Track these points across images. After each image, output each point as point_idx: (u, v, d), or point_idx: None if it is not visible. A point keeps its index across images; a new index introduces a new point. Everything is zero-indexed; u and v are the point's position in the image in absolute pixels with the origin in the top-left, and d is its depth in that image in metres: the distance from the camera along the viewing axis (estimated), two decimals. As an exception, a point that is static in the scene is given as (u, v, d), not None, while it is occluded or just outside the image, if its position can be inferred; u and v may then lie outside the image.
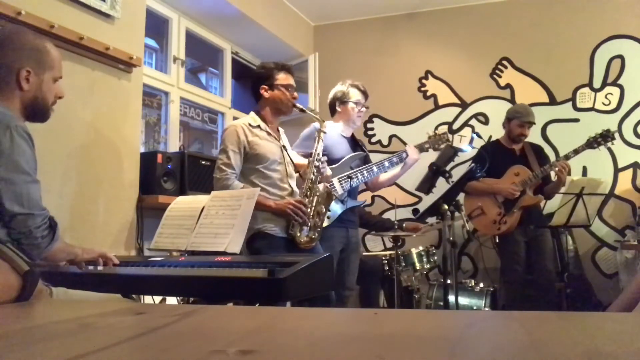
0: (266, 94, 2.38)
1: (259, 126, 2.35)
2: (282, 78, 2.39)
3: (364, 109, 2.88)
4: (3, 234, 1.42)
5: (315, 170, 2.35)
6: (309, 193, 2.33)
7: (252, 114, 2.41)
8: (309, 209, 2.28)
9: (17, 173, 1.42)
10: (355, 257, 2.80)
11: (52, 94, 1.63)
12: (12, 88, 1.54)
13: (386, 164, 2.79)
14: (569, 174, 3.25)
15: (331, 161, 2.68)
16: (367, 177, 2.74)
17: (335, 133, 2.82)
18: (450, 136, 3.07)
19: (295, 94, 2.44)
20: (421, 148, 2.93)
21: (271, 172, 2.31)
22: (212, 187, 2.26)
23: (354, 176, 2.69)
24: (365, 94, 2.89)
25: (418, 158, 2.87)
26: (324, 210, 2.39)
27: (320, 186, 2.40)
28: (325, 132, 2.46)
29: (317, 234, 2.34)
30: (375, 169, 2.76)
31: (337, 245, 2.65)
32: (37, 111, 1.61)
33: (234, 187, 2.19)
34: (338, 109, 2.88)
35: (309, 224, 2.30)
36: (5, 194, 1.41)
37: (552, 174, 3.42)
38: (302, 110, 2.42)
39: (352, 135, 2.94)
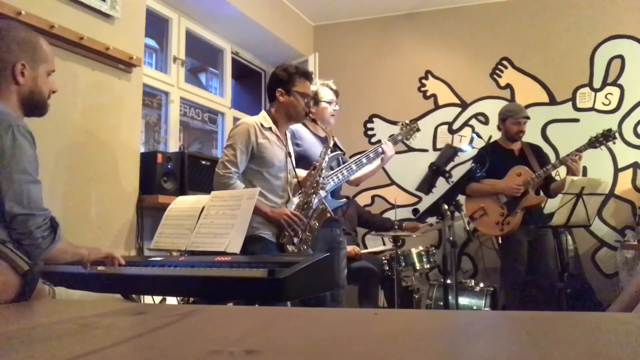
0: (282, 98, 2.34)
1: (270, 128, 2.32)
2: (300, 85, 2.34)
3: (337, 107, 2.86)
4: (4, 235, 1.41)
5: (315, 184, 2.32)
6: (305, 206, 2.30)
7: (264, 113, 2.38)
8: (302, 222, 2.25)
9: (18, 173, 1.41)
10: (342, 254, 2.79)
11: (48, 87, 1.62)
12: (9, 83, 1.53)
13: (364, 160, 2.77)
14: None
15: (310, 163, 2.66)
16: (347, 176, 2.72)
17: (309, 134, 2.78)
18: (419, 125, 3.08)
19: (311, 103, 2.42)
20: (394, 140, 2.93)
21: (273, 179, 2.29)
22: (212, 187, 2.26)
23: (334, 177, 2.67)
24: (336, 92, 2.85)
25: (393, 154, 2.84)
26: (317, 225, 2.35)
27: (316, 201, 2.37)
28: (332, 149, 2.40)
29: (306, 247, 2.31)
30: (354, 166, 2.74)
31: (323, 246, 2.64)
32: (35, 105, 1.60)
33: (234, 187, 2.18)
34: (311, 109, 2.86)
35: (300, 237, 2.27)
36: (5, 194, 1.40)
37: (554, 173, 3.42)
38: (314, 121, 2.39)
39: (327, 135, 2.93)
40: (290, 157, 2.40)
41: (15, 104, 1.55)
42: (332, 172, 2.68)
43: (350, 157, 2.94)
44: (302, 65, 2.50)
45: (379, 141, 4.50)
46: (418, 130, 3.05)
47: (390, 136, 3.00)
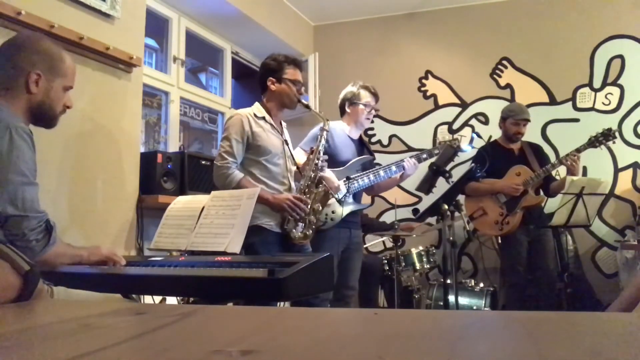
0: (273, 87, 2.37)
1: (263, 118, 2.34)
2: (290, 73, 2.37)
3: (373, 112, 2.87)
4: (1, 235, 1.41)
5: (314, 167, 2.34)
6: (306, 190, 2.33)
7: (257, 104, 2.40)
8: (306, 205, 2.28)
9: (13, 174, 1.41)
10: (357, 256, 2.80)
11: (61, 102, 1.63)
12: (20, 90, 1.54)
13: (393, 168, 2.78)
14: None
15: (338, 163, 2.67)
16: (373, 180, 2.73)
17: (343, 134, 2.80)
18: (458, 140, 3.03)
19: (302, 89, 2.44)
20: (430, 154, 2.90)
21: (272, 166, 2.31)
22: (213, 186, 2.26)
23: (360, 179, 2.68)
24: (376, 96, 2.87)
25: (413, 173, 2.83)
26: (320, 208, 2.38)
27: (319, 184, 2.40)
28: (327, 131, 2.44)
29: (311, 231, 2.33)
30: (382, 172, 2.74)
31: (340, 246, 2.65)
32: (43, 116, 1.61)
33: (233, 177, 2.19)
34: (347, 110, 2.86)
35: (305, 220, 2.29)
36: (0, 195, 1.40)
37: (554, 172, 3.42)
38: (307, 107, 2.42)
39: (360, 137, 2.93)
40: (288, 144, 2.41)
41: (22, 110, 1.55)
42: (358, 174, 2.68)
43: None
44: (291, 54, 2.52)
45: (379, 142, 4.52)
46: (459, 148, 2.94)
47: (424, 152, 2.92)
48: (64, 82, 1.62)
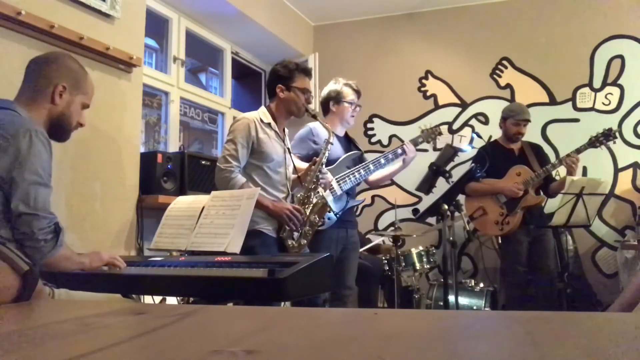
0: (282, 94, 2.36)
1: (269, 124, 2.34)
2: (300, 81, 2.36)
3: (357, 109, 2.87)
4: (9, 234, 1.42)
5: (315, 180, 2.34)
6: (305, 201, 2.32)
7: (264, 109, 2.40)
8: (303, 217, 2.28)
9: (29, 173, 1.45)
10: (354, 256, 2.79)
11: (77, 117, 1.71)
12: (45, 100, 1.63)
13: (382, 160, 2.78)
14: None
15: (327, 162, 2.68)
16: (364, 175, 2.74)
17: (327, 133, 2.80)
18: (441, 129, 3.05)
19: (310, 99, 2.43)
20: (415, 142, 2.92)
21: (273, 173, 2.31)
22: (213, 187, 2.26)
23: (351, 176, 2.68)
24: (358, 92, 2.86)
25: (415, 155, 2.85)
26: (317, 220, 2.38)
27: (316, 196, 2.39)
28: (332, 144, 2.42)
29: (306, 242, 2.33)
30: (371, 166, 2.75)
31: (338, 246, 2.65)
32: (60, 128, 1.68)
33: (236, 181, 2.19)
34: (332, 108, 2.85)
35: (300, 231, 2.29)
36: (14, 193, 1.42)
37: (554, 172, 3.42)
38: (314, 117, 2.41)
39: (346, 134, 2.93)
40: (289, 152, 2.41)
41: (43, 121, 1.63)
42: (349, 171, 2.68)
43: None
44: (302, 62, 2.51)
45: (379, 142, 4.52)
46: (440, 134, 3.01)
47: (411, 139, 2.97)
48: (83, 99, 1.72)
